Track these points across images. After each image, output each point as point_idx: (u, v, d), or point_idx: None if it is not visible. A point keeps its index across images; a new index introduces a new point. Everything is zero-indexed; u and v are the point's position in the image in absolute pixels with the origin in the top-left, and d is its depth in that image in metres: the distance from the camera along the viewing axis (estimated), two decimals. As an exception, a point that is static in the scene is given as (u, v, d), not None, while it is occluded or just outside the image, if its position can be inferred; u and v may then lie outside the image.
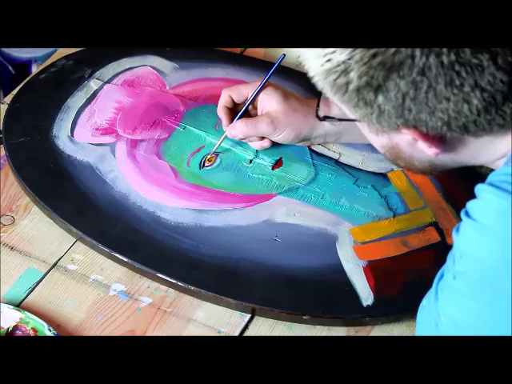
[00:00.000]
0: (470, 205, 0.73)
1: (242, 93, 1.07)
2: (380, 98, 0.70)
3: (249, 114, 1.08)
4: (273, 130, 1.05)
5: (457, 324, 0.75)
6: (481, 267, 0.72)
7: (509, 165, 0.74)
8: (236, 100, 1.08)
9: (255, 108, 1.08)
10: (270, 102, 1.06)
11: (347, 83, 0.70)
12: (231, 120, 1.07)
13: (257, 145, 1.09)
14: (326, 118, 0.88)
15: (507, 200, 0.70)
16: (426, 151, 0.76)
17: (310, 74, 0.73)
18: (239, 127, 1.06)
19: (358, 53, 0.68)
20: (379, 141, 0.80)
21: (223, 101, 1.08)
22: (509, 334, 0.72)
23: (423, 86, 0.68)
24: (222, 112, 1.08)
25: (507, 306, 0.71)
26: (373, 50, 0.67)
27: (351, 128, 0.89)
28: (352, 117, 0.76)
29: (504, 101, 0.70)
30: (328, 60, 0.70)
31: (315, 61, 0.71)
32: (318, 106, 0.92)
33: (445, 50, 0.66)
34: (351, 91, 0.70)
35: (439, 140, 0.74)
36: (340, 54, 0.69)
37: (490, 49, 0.67)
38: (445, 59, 0.67)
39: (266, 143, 1.08)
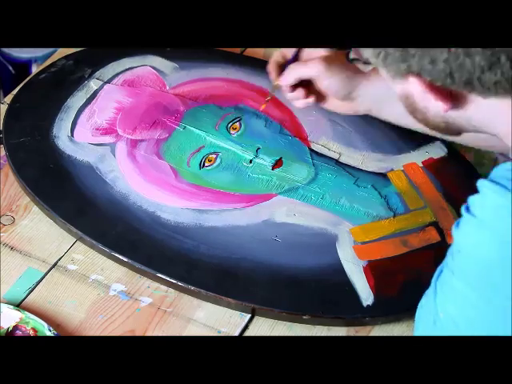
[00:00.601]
0: (471, 200, 0.73)
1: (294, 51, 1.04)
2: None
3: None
4: (324, 70, 1.01)
5: (455, 321, 0.75)
6: (479, 263, 0.72)
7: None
8: (288, 55, 1.04)
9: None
10: (320, 53, 1.03)
11: None
12: (279, 73, 1.04)
13: (302, 103, 1.04)
14: (354, 59, 0.89)
15: (505, 197, 0.70)
16: (436, 105, 0.75)
17: None
18: (293, 68, 1.02)
19: None
20: (395, 88, 0.79)
21: (275, 56, 1.04)
22: (507, 331, 0.72)
23: None
24: (272, 66, 1.04)
25: (506, 303, 0.71)
26: None
27: (391, 100, 0.89)
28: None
29: (511, 63, 0.69)
30: None
31: None
32: (349, 51, 0.92)
33: None
34: None
35: (447, 94, 0.74)
36: None
37: None
38: None
39: (311, 99, 1.04)
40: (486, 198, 0.72)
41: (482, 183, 0.72)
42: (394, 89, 0.80)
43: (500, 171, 0.73)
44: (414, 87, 0.75)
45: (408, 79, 0.74)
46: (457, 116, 0.77)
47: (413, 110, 0.81)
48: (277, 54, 1.05)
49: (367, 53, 0.75)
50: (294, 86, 1.04)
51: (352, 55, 0.91)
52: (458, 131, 0.81)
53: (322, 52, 1.03)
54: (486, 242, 0.71)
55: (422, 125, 0.83)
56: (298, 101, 1.05)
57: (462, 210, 0.73)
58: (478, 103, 0.75)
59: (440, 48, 0.69)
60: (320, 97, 1.04)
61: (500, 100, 0.73)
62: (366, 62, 0.81)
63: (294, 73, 1.02)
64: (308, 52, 1.04)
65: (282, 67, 1.04)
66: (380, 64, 0.74)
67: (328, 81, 1.02)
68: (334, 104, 1.06)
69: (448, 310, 0.76)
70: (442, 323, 0.76)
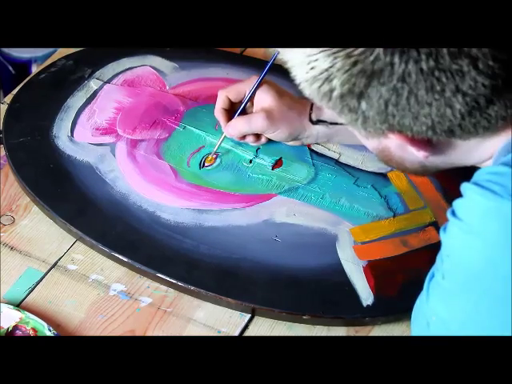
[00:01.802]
0: (456, 204, 0.73)
1: (240, 91, 1.08)
2: (363, 105, 0.71)
3: (246, 113, 1.09)
4: (267, 126, 1.06)
5: (446, 324, 0.75)
6: (466, 267, 0.73)
7: (494, 165, 0.74)
8: (233, 99, 1.08)
9: (252, 106, 1.09)
10: (265, 99, 1.07)
11: (331, 90, 0.71)
12: (229, 120, 1.08)
13: (254, 144, 1.10)
14: (318, 121, 0.90)
15: (491, 200, 0.70)
16: (415, 154, 0.77)
17: (297, 81, 0.74)
18: (234, 125, 1.07)
19: (339, 61, 0.69)
20: (370, 144, 0.81)
21: (220, 102, 1.09)
22: (497, 334, 0.72)
23: (404, 93, 0.69)
24: (219, 114, 1.09)
25: (494, 306, 0.72)
26: (353, 58, 0.68)
27: (342, 130, 0.90)
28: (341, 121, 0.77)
29: (488, 104, 0.70)
30: (312, 68, 0.71)
31: (300, 68, 0.72)
32: (311, 109, 0.93)
33: (423, 56, 0.67)
34: (335, 98, 0.71)
35: (427, 143, 0.75)
36: (323, 62, 0.70)
37: (470, 54, 0.67)
38: (424, 66, 0.67)
39: (262, 139, 1.09)
40: (472, 201, 0.72)
41: (466, 187, 0.73)
42: (366, 144, 0.81)
43: (482, 174, 0.73)
44: (393, 142, 0.76)
45: (387, 136, 0.75)
46: (435, 159, 0.78)
47: (388, 160, 0.82)
48: (222, 99, 1.08)
49: (343, 119, 0.75)
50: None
51: (314, 117, 0.92)
52: (435, 171, 0.83)
53: (270, 97, 1.06)
54: (474, 246, 0.71)
55: (398, 171, 0.84)
56: (249, 138, 1.10)
57: (448, 214, 0.74)
58: (456, 145, 0.76)
59: (421, 103, 0.69)
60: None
61: (478, 138, 0.74)
62: (334, 123, 0.82)
63: (237, 129, 1.07)
64: (256, 97, 1.08)
65: (230, 112, 1.08)
66: (358, 128, 0.74)
67: (273, 135, 1.07)
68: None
69: (439, 313, 0.76)
70: (434, 326, 0.77)
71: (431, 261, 0.98)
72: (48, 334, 0.91)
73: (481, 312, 0.73)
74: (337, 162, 1.11)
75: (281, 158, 1.10)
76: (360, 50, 0.67)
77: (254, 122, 1.06)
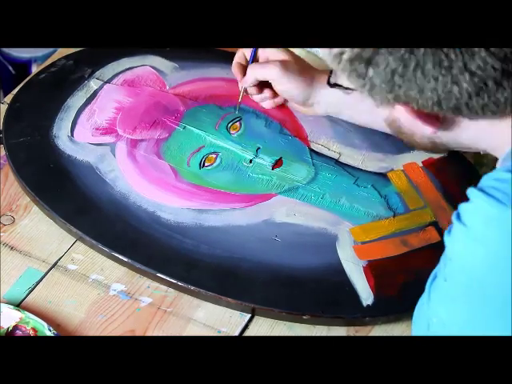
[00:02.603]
0: (462, 208, 0.73)
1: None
2: (371, 72, 0.71)
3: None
4: (281, 75, 1.05)
5: (446, 326, 0.76)
6: (469, 272, 0.73)
7: (500, 169, 0.74)
8: (249, 56, 1.09)
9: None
10: (280, 57, 1.07)
11: (341, 53, 0.71)
12: (244, 74, 1.09)
13: (270, 103, 1.10)
14: (335, 84, 0.89)
15: (494, 207, 0.70)
16: (423, 129, 0.76)
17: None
18: (251, 69, 1.07)
19: None
20: (380, 114, 0.80)
21: (237, 58, 1.10)
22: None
23: (411, 64, 0.69)
24: (235, 68, 1.09)
25: (495, 312, 0.72)
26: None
27: (353, 104, 0.90)
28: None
29: (498, 87, 0.70)
30: None
31: None
32: (331, 72, 0.92)
33: None
34: (345, 61, 0.72)
35: (434, 119, 0.75)
36: None
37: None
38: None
39: (279, 99, 1.09)
40: (476, 208, 0.72)
41: (472, 192, 0.72)
42: (378, 116, 0.82)
43: (489, 181, 0.73)
44: (401, 114, 0.76)
45: (394, 107, 0.75)
46: (444, 136, 0.78)
47: (399, 132, 0.82)
48: (239, 56, 1.10)
49: (352, 84, 0.75)
50: (261, 87, 1.08)
51: (332, 80, 0.92)
52: (445, 149, 0.83)
53: (280, 54, 1.07)
54: (477, 252, 0.72)
55: (408, 145, 0.84)
56: (266, 101, 1.09)
57: (453, 217, 0.74)
58: (465, 125, 0.76)
59: (427, 77, 0.69)
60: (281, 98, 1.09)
61: (487, 120, 0.74)
62: (349, 89, 0.82)
63: (251, 74, 1.07)
64: (267, 52, 1.08)
65: (245, 68, 1.09)
66: (366, 94, 0.74)
67: (284, 86, 1.07)
68: (294, 105, 1.11)
69: (440, 315, 0.76)
70: (435, 328, 0.77)
71: (431, 261, 0.98)
72: (48, 333, 0.91)
73: (481, 316, 0.73)
74: (337, 161, 1.11)
75: (281, 157, 1.10)
76: None
77: (268, 68, 1.06)
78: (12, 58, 1.71)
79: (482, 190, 0.71)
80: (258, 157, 1.10)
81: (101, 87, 1.18)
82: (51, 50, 1.40)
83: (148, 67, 1.22)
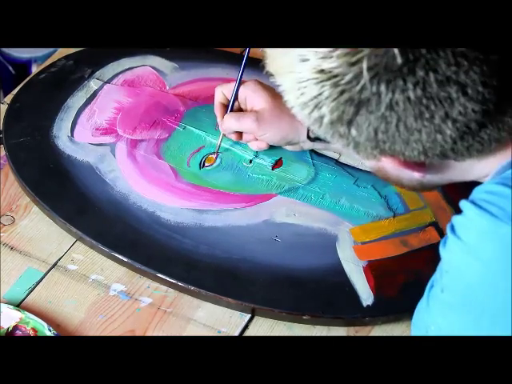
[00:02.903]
0: (455, 220, 0.73)
1: (232, 89, 1.07)
2: (353, 132, 0.71)
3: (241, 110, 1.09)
4: (257, 128, 1.05)
5: (445, 335, 0.75)
6: (464, 284, 0.73)
7: (491, 181, 0.74)
8: (228, 96, 1.08)
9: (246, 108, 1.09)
10: (257, 100, 1.06)
11: (321, 117, 0.71)
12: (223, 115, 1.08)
13: (254, 145, 1.09)
14: (316, 139, 0.89)
15: (489, 222, 0.70)
16: (410, 175, 0.77)
17: (289, 105, 0.73)
18: (227, 121, 1.07)
19: (327, 89, 0.68)
20: (367, 163, 0.81)
21: (218, 98, 1.09)
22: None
23: (393, 120, 0.68)
24: (217, 109, 1.09)
25: (492, 323, 0.72)
26: (340, 88, 0.67)
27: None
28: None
29: (480, 128, 0.70)
30: (302, 94, 0.70)
31: (291, 93, 0.72)
32: (308, 129, 0.93)
33: (410, 85, 0.66)
34: (325, 124, 0.71)
35: (421, 165, 0.75)
36: (311, 90, 0.69)
37: (458, 80, 0.66)
38: (411, 94, 0.67)
39: (262, 144, 1.08)
40: (469, 221, 0.72)
41: (464, 205, 0.73)
42: (364, 163, 0.82)
43: (480, 193, 0.73)
44: (387, 164, 0.76)
45: (380, 159, 0.75)
46: (432, 178, 0.78)
47: (386, 178, 0.82)
48: (218, 95, 1.08)
49: (335, 145, 0.75)
50: (240, 133, 1.09)
51: (312, 134, 0.92)
52: (433, 187, 0.83)
53: (259, 96, 1.05)
54: (471, 265, 0.72)
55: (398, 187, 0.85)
56: (251, 143, 1.09)
57: (448, 229, 0.74)
58: (452, 165, 0.76)
59: (411, 130, 0.69)
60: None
61: (472, 160, 0.74)
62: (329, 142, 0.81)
63: (228, 126, 1.07)
64: (246, 92, 1.06)
65: (226, 107, 1.08)
66: (351, 152, 0.74)
67: (263, 136, 1.06)
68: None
69: (438, 324, 0.76)
70: (433, 334, 0.77)
71: (431, 261, 0.98)
72: (48, 333, 0.91)
73: (479, 327, 0.73)
74: (337, 162, 1.11)
75: (281, 158, 1.10)
76: (346, 79, 0.67)
77: (244, 122, 1.06)
78: (12, 58, 1.71)
79: (473, 203, 0.72)
80: (257, 157, 1.10)
81: (101, 87, 1.18)
82: (51, 50, 1.40)
83: (148, 67, 1.22)
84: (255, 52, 1.27)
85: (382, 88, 0.67)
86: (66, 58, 1.23)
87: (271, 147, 1.10)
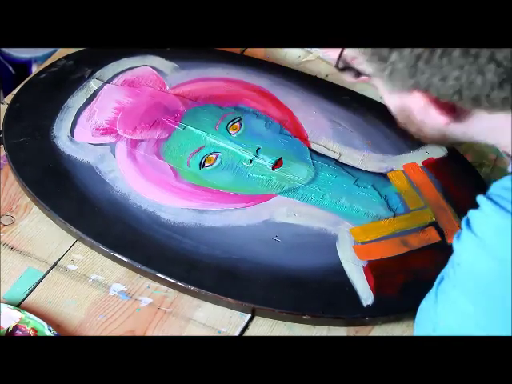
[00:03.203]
0: (471, 215, 0.73)
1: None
2: (394, 55, 0.69)
3: None
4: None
5: (454, 332, 0.75)
6: (478, 279, 0.72)
7: (509, 177, 0.73)
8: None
9: None
10: None
11: None
12: None
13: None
14: (345, 68, 0.85)
15: (506, 218, 0.70)
16: (436, 118, 0.74)
17: None
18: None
19: None
20: (392, 101, 0.78)
21: None
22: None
23: (438, 50, 0.67)
24: None
25: (504, 319, 0.71)
26: None
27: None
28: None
29: None
30: None
31: None
32: (339, 57, 0.88)
33: None
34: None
35: (451, 109, 0.73)
36: None
37: None
38: None
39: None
40: (486, 217, 0.71)
41: (481, 200, 0.72)
42: (387, 101, 0.79)
43: (498, 189, 0.72)
44: (416, 101, 0.74)
45: (411, 94, 0.73)
46: (455, 128, 0.76)
47: (407, 122, 0.79)
48: None
49: (370, 67, 0.73)
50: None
51: (341, 64, 0.89)
52: (452, 143, 0.81)
53: None
54: (485, 260, 0.71)
55: (416, 136, 0.81)
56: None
57: (463, 223, 0.73)
58: (480, 117, 0.74)
59: (453, 64, 0.67)
60: None
61: (504, 114, 0.72)
62: (359, 73, 0.78)
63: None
64: None
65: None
66: (384, 78, 0.72)
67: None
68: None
69: (448, 321, 0.76)
70: (442, 332, 0.76)
71: (431, 261, 0.99)
72: (48, 334, 0.91)
73: (492, 324, 0.73)
74: (337, 162, 1.11)
75: (281, 158, 1.10)
76: None
77: None
78: (12, 58, 1.70)
79: (490, 199, 0.71)
80: (258, 157, 1.10)
81: (101, 87, 1.18)
82: (51, 50, 1.40)
83: (148, 67, 1.22)
84: (255, 52, 1.28)
85: None
86: (66, 58, 1.23)
87: (271, 147, 1.10)
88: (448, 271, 0.77)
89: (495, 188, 0.73)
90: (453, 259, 0.75)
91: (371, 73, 0.74)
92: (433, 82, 0.70)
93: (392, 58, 0.69)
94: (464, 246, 0.73)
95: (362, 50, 0.71)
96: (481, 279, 0.72)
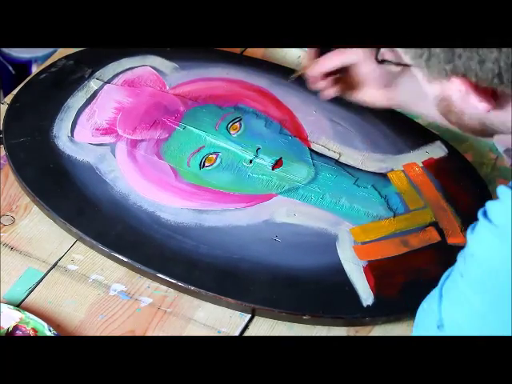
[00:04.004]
0: (490, 205, 0.72)
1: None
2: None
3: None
4: (367, 54, 0.97)
5: (461, 327, 0.75)
6: (490, 269, 0.72)
7: None
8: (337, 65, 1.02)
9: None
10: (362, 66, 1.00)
11: None
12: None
13: (331, 92, 1.04)
14: (383, 61, 0.84)
15: None
16: (477, 106, 0.73)
17: None
18: (330, 56, 1.00)
19: None
20: (431, 90, 0.76)
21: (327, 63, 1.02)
22: None
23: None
24: (311, 50, 1.03)
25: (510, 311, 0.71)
26: None
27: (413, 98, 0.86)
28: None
29: None
30: None
31: None
32: (378, 49, 0.88)
33: None
34: None
35: (491, 95, 0.71)
36: None
37: None
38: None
39: (337, 88, 1.03)
40: (506, 205, 0.71)
41: (502, 190, 0.71)
42: (427, 91, 0.77)
43: None
44: (456, 88, 0.72)
45: (450, 80, 0.71)
46: (495, 117, 0.75)
47: (447, 112, 0.78)
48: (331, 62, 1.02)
49: (408, 54, 0.72)
50: (324, 76, 1.02)
51: (380, 56, 0.87)
52: (492, 133, 0.79)
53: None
54: (501, 249, 0.71)
55: (455, 127, 0.80)
56: (327, 91, 1.03)
57: (480, 214, 0.72)
58: None
59: (490, 48, 0.66)
60: (350, 87, 1.02)
61: None
62: (399, 64, 0.78)
63: (334, 59, 1.00)
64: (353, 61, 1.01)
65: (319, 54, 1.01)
66: (422, 65, 0.71)
67: (371, 66, 0.99)
68: (368, 94, 1.03)
69: (454, 316, 0.76)
70: (447, 328, 0.76)
71: (431, 261, 0.98)
72: (48, 334, 0.91)
73: (497, 315, 0.72)
74: (337, 162, 1.11)
75: (281, 158, 1.10)
76: None
77: (354, 51, 0.98)
78: (12, 58, 1.70)
79: None
80: (258, 157, 1.10)
81: (101, 87, 1.18)
82: (51, 50, 1.40)
83: (148, 67, 1.22)
84: (255, 52, 1.28)
85: None
86: (66, 58, 1.23)
87: (271, 147, 1.10)
88: (457, 264, 0.76)
89: None
90: (464, 252, 0.75)
91: (409, 61, 0.73)
92: (471, 65, 0.68)
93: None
94: (480, 236, 0.73)
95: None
96: (493, 270, 0.72)
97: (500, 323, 0.73)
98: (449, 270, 0.79)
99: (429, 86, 0.76)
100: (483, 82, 0.70)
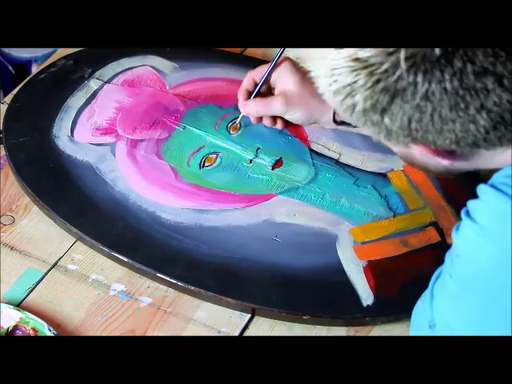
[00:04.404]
0: (471, 205, 0.73)
1: (263, 73, 1.04)
2: (386, 120, 0.70)
3: (269, 93, 1.06)
4: (285, 111, 1.02)
5: (451, 326, 0.75)
6: (477, 268, 0.72)
7: (510, 167, 0.74)
8: (257, 81, 1.05)
9: (273, 88, 1.06)
10: (286, 82, 1.03)
11: (353, 105, 0.70)
12: (247, 99, 1.06)
13: (268, 123, 1.06)
14: (342, 122, 0.88)
15: (504, 202, 0.70)
16: (439, 162, 0.76)
17: (320, 91, 0.73)
18: (252, 106, 1.04)
19: (362, 78, 0.68)
20: (395, 149, 0.80)
21: (245, 83, 1.05)
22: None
23: (427, 110, 0.68)
24: (240, 93, 1.06)
25: (501, 310, 0.71)
26: (375, 77, 0.67)
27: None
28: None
29: None
30: (335, 81, 0.70)
31: (323, 80, 0.71)
32: (334, 112, 0.91)
33: (447, 76, 0.66)
34: (358, 112, 0.71)
35: (451, 153, 0.74)
36: (345, 77, 0.69)
37: (495, 71, 0.66)
38: (448, 85, 0.66)
39: (278, 125, 1.06)
40: (486, 204, 0.72)
41: (482, 188, 0.72)
42: (390, 147, 0.80)
43: (500, 177, 0.73)
44: (417, 152, 0.76)
45: (411, 146, 0.74)
46: (459, 165, 0.77)
47: (412, 164, 0.82)
48: (248, 81, 1.05)
49: (366, 131, 0.74)
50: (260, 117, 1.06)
51: (338, 118, 0.90)
52: (458, 173, 0.82)
53: (292, 80, 1.02)
54: (486, 248, 0.71)
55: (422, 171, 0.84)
56: (266, 120, 1.06)
57: (462, 213, 0.73)
58: (481, 153, 0.75)
59: (445, 120, 0.69)
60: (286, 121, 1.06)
61: (504, 148, 0.73)
62: (356, 126, 0.80)
63: (255, 110, 1.04)
64: (279, 72, 1.03)
65: (250, 93, 1.05)
66: (382, 139, 0.74)
67: (290, 117, 1.03)
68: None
69: (444, 316, 0.76)
70: (438, 328, 0.76)
71: (431, 261, 0.98)
72: (48, 334, 0.91)
73: (487, 315, 0.73)
74: (337, 162, 1.11)
75: (281, 158, 1.10)
76: (383, 68, 0.67)
77: (273, 106, 1.03)
78: (12, 58, 1.70)
79: (492, 186, 0.71)
80: (258, 157, 1.10)
81: (101, 87, 1.18)
82: (51, 50, 1.40)
83: (148, 67, 1.22)
84: (255, 52, 1.28)
85: (419, 78, 0.66)
86: (66, 57, 1.23)
87: (271, 147, 1.10)
88: (446, 265, 0.77)
89: (497, 177, 0.73)
90: (451, 252, 0.76)
91: (368, 134, 0.76)
92: (428, 137, 0.71)
93: (385, 122, 0.70)
94: (464, 235, 0.73)
95: (354, 117, 0.72)
96: (480, 269, 0.72)
97: (491, 323, 0.73)
98: (438, 269, 0.79)
99: (391, 146, 0.79)
100: (442, 148, 0.73)
